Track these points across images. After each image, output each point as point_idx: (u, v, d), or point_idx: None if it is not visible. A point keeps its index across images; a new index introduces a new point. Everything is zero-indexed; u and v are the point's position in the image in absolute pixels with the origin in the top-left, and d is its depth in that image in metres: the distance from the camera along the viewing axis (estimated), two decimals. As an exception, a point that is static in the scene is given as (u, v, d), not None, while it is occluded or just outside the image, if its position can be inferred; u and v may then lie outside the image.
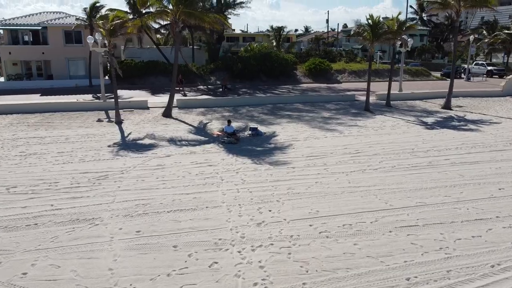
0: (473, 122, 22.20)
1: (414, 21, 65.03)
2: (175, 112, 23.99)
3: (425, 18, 72.08)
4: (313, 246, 8.51)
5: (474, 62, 50.20)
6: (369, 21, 24.68)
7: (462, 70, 47.29)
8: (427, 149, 16.27)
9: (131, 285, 7.17)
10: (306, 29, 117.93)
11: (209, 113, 24.26)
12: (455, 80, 27.73)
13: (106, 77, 32.01)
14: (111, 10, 33.13)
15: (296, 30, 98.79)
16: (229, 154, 15.47)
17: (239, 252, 8.27)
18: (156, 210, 10.26)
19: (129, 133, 18.97)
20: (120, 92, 30.59)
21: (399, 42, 29.61)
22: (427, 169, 13.66)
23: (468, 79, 44.02)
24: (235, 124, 19.68)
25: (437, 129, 20.35)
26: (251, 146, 16.86)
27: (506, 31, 47.17)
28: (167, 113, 23.16)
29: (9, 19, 37.36)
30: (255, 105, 26.70)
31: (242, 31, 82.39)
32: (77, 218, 9.78)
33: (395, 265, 7.84)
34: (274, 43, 49.64)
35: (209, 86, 36.73)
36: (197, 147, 16.62)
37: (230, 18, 45.38)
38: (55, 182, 12.16)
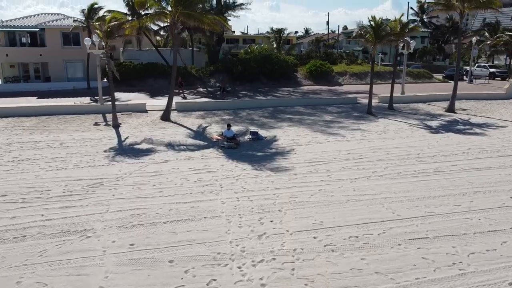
0: (479, 125, 21.70)
1: (415, 23, 64.52)
2: (174, 115, 23.51)
3: (426, 20, 71.65)
4: (318, 261, 8.00)
5: (476, 64, 49.73)
6: (372, 22, 24.22)
7: (464, 73, 46.82)
8: (433, 154, 15.76)
9: (122, 305, 6.66)
10: (306, 31, 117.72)
11: (208, 116, 23.77)
12: (458, 83, 27.23)
13: (105, 80, 31.52)
14: (109, 11, 32.68)
15: (296, 32, 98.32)
16: (229, 160, 14.97)
17: (239, 267, 7.76)
18: (151, 221, 9.75)
19: (126, 138, 18.48)
20: (118, 95, 30.13)
21: (401, 44, 29.16)
22: (434, 176, 13.15)
23: (470, 81, 43.54)
24: (235, 128, 19.19)
25: (442, 133, 19.85)
26: (251, 151, 16.36)
27: (509, 33, 46.69)
28: (165, 117, 22.67)
29: (7, 21, 36.93)
30: (255, 108, 26.22)
31: (242, 33, 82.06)
32: (68, 229, 9.26)
33: (406, 282, 7.33)
34: (275, 45, 49.19)
35: (208, 89, 36.24)
36: (195, 152, 16.12)
37: (230, 20, 44.88)
38: (47, 190, 11.65)
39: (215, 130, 19.85)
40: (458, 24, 67.18)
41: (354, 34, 26.86)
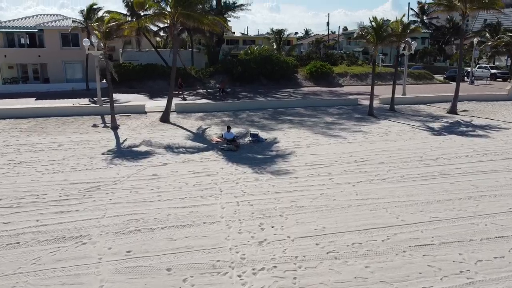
0: (481, 127, 21.45)
1: (416, 24, 64.32)
2: (173, 117, 23.26)
3: (426, 21, 71.47)
4: (320, 269, 7.74)
5: (478, 65, 49.50)
6: (373, 23, 23.98)
7: (465, 74, 46.59)
8: (436, 157, 15.51)
9: (118, 316, 6.41)
10: (306, 32, 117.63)
11: (208, 118, 23.52)
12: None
13: (104, 81, 31.28)
14: (108, 12, 32.44)
15: (296, 33, 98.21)
16: (229, 163, 14.71)
17: (239, 276, 7.51)
18: (149, 226, 9.49)
19: (125, 140, 18.22)
20: (117, 96, 29.91)
21: (403, 45, 28.93)
22: (438, 179, 12.89)
23: (471, 82, 43.30)
24: (235, 130, 18.94)
25: (445, 135, 19.60)
26: (251, 153, 16.11)
27: (510, 34, 46.47)
28: (164, 118, 22.43)
29: (5, 22, 36.69)
30: (255, 110, 25.97)
31: (242, 34, 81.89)
32: (63, 235, 9.00)
33: (412, 292, 7.08)
34: (275, 46, 48.97)
35: (208, 90, 36.00)
36: (195, 154, 15.86)
37: (230, 20, 44.71)
38: (43, 194, 11.39)
39: (214, 132, 19.61)
40: (458, 25, 67.10)
41: (355, 35, 26.59)
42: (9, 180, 12.57)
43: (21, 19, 37.93)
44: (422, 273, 7.62)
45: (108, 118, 21.64)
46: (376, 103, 27.28)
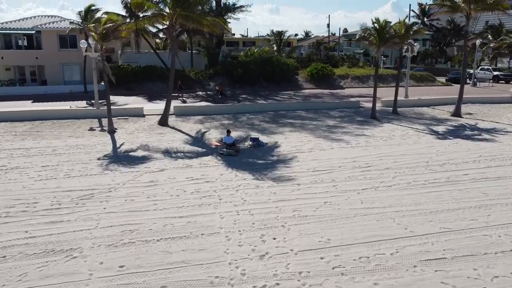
0: (487, 131, 20.95)
1: (417, 26, 63.90)
2: (172, 120, 22.77)
3: (427, 23, 71.05)
4: (326, 287, 7.23)
5: (480, 67, 49.04)
6: (375, 24, 23.52)
7: (468, 76, 46.09)
8: (443, 162, 15.01)
9: None
10: (306, 33, 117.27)
11: (207, 121, 23.03)
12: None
13: (102, 83, 30.80)
14: (106, 13, 31.96)
15: (296, 35, 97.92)
16: (228, 168, 14.21)
17: (239, 294, 7.01)
18: (144, 238, 8.98)
19: (122, 144, 17.73)
20: (115, 99, 29.50)
21: (406, 47, 28.47)
22: (446, 186, 12.39)
23: (474, 84, 42.81)
24: (235, 134, 18.45)
25: (450, 139, 19.10)
26: (252, 158, 15.61)
27: (512, 35, 46.05)
28: (163, 122, 21.94)
29: (2, 23, 36.22)
30: (255, 113, 25.48)
31: (242, 35, 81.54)
32: (53, 248, 8.50)
33: (426, 312, 6.57)
34: (275, 48, 48.53)
35: (208, 92, 35.53)
36: (193, 159, 15.36)
37: (230, 22, 44.35)
38: (34, 203, 10.89)
39: (214, 136, 19.11)
40: (459, 26, 66.69)
41: (357, 37, 26.12)
42: (-1, 188, 12.08)
43: (19, 20, 37.47)
44: (435, 291, 7.12)
45: (105, 121, 21.17)
46: (378, 105, 26.75)
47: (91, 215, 10.18)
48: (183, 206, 10.77)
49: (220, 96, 32.72)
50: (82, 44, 25.00)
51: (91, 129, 20.73)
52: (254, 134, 18.95)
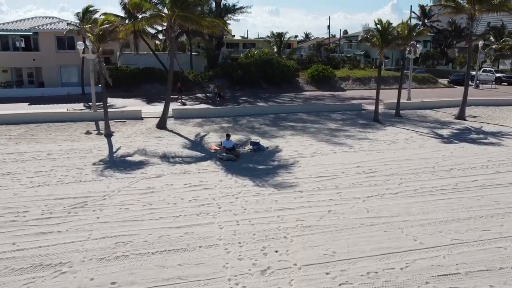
0: (493, 134, 20.46)
1: (419, 27, 63.49)
2: (170, 123, 22.27)
3: (428, 24, 70.63)
4: (333, 306, 6.73)
5: (482, 69, 48.60)
6: (378, 26, 23.06)
7: (470, 77, 45.60)
8: (449, 168, 14.51)
9: None
10: (307, 35, 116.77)
11: (206, 124, 22.53)
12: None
13: (100, 85, 30.30)
14: (104, 14, 31.49)
15: (296, 36, 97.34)
16: (228, 174, 13.71)
17: (239, 315, 6.50)
18: (138, 251, 8.48)
19: (118, 148, 17.23)
20: (113, 101, 29.00)
21: (408, 48, 28.00)
22: (455, 194, 11.90)
23: (476, 86, 42.36)
24: (234, 137, 17.96)
25: (456, 143, 18.61)
26: (252, 163, 15.11)
27: (515, 37, 45.67)
28: (161, 125, 21.44)
29: (-1, 24, 35.79)
30: (256, 115, 24.99)
31: (242, 37, 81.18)
32: (41, 262, 7.99)
33: (442, 336, 6.07)
34: (275, 49, 48.09)
35: (207, 94, 35.04)
36: (192, 165, 14.86)
37: (230, 23, 43.89)
38: (24, 212, 10.38)
39: (213, 140, 18.62)
40: (461, 28, 66.22)
41: (359, 38, 25.67)
42: (-11, 195, 11.57)
43: (16, 21, 37.01)
44: (450, 311, 6.62)
45: (102, 124, 20.67)
46: (380, 108, 26.28)
47: (83, 225, 9.67)
48: (180, 215, 10.27)
49: (218, 98, 32.23)
50: (79, 45, 24.51)
51: (88, 132, 20.22)
52: (254, 138, 18.47)
